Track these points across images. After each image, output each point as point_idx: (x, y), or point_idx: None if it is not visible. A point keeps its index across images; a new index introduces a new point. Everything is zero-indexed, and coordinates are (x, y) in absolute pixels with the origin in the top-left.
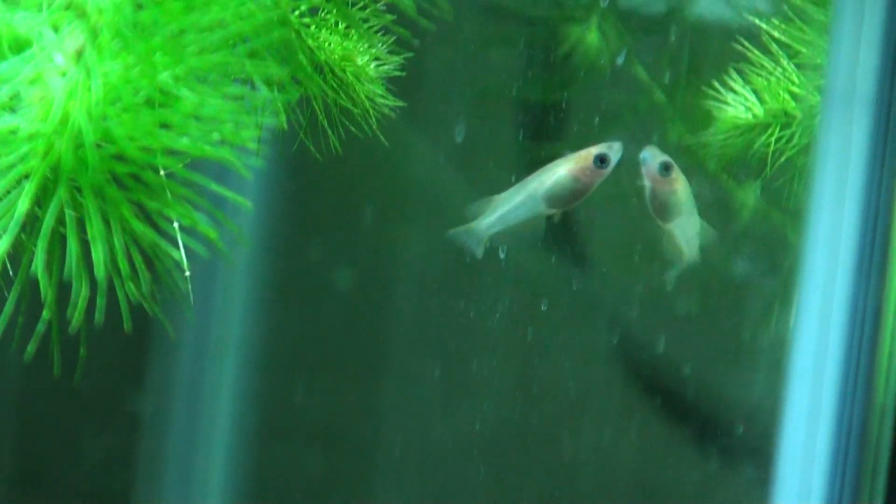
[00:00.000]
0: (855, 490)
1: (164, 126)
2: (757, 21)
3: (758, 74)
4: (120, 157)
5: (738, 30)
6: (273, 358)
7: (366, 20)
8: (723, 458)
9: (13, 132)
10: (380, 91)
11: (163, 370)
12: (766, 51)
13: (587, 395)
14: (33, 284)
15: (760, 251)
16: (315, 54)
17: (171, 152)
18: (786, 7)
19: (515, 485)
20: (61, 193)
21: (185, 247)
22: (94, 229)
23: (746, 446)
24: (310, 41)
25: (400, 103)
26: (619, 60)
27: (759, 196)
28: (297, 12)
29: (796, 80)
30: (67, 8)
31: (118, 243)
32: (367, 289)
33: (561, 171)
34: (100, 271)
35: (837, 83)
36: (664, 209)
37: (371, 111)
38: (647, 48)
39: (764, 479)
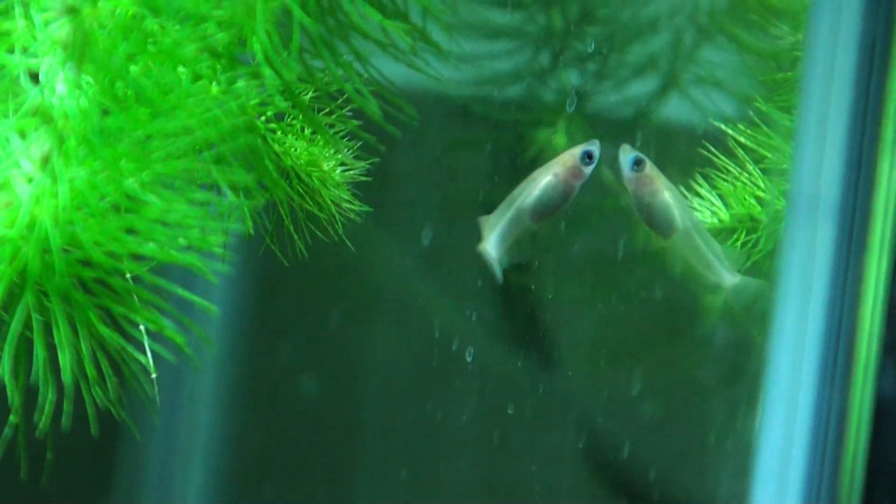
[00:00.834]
0: None
1: (131, 231)
2: (723, 126)
3: (724, 179)
4: (86, 262)
5: (704, 134)
6: (240, 462)
7: (332, 126)
8: None
9: None
10: (346, 196)
11: (130, 474)
12: (732, 155)
13: (553, 497)
14: (0, 388)
15: (726, 354)
16: (281, 160)
17: (137, 257)
18: (752, 112)
19: None
20: (28, 298)
21: (151, 351)
22: (61, 334)
23: None
24: (276, 146)
25: (366, 208)
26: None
27: (725, 299)
28: (263, 118)
29: (762, 185)
30: (34, 114)
31: (85, 348)
32: (335, 392)
33: (547, 177)
34: (66, 376)
35: (802, 189)
36: (652, 214)
37: (337, 216)
38: (615, 151)
39: None
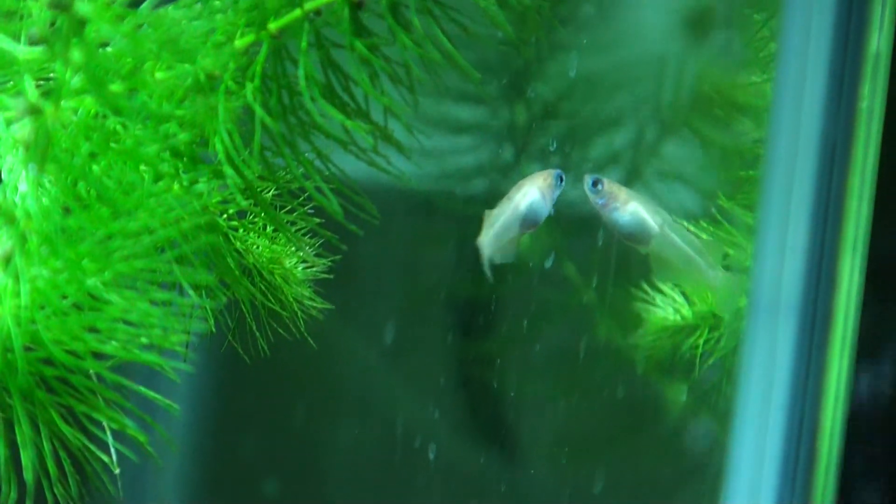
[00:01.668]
0: None
1: (93, 330)
2: (684, 223)
3: None
4: (48, 361)
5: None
6: None
7: (293, 223)
8: None
9: None
10: (308, 293)
11: None
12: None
13: None
14: None
15: (688, 451)
16: (243, 257)
17: (99, 355)
18: (714, 209)
19: None
20: None
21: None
22: (24, 432)
23: None
24: (238, 244)
25: (328, 305)
26: (548, 264)
27: (687, 396)
28: (224, 216)
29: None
30: None
31: (47, 446)
32: (298, 489)
33: (534, 192)
34: (28, 474)
35: (764, 287)
36: (625, 228)
37: (299, 313)
38: (577, 248)
39: None
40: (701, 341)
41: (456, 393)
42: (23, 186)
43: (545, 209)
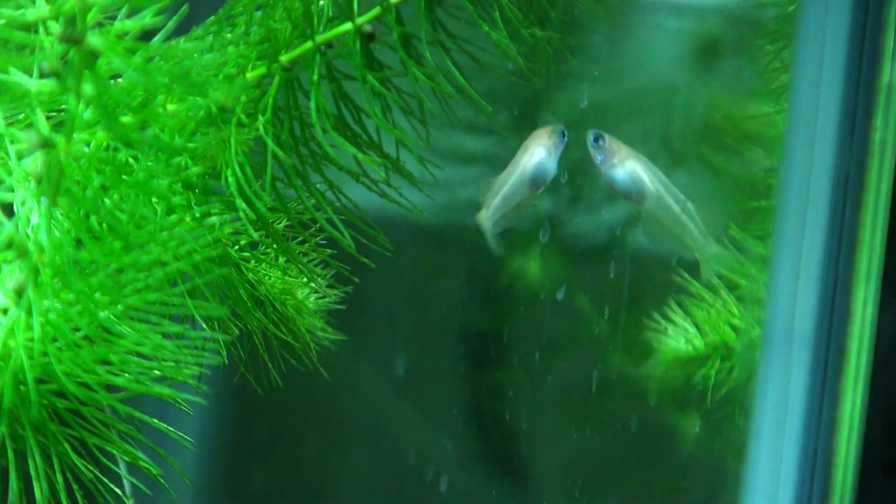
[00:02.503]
0: None
1: (105, 363)
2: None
3: (698, 306)
4: (60, 394)
5: (678, 262)
6: None
7: (305, 254)
8: None
9: None
10: (320, 324)
11: None
12: (706, 283)
13: None
14: None
15: (701, 481)
16: (255, 289)
17: (112, 388)
18: (725, 240)
19: None
20: (2, 429)
21: (126, 482)
22: (36, 464)
23: None
24: (250, 275)
25: (340, 336)
26: (560, 296)
27: (700, 427)
28: (236, 247)
29: (736, 313)
30: (9, 246)
31: (59, 479)
32: None
33: (540, 150)
34: None
35: (777, 318)
36: (622, 184)
37: (311, 344)
38: (589, 279)
39: None
40: (713, 372)
41: (468, 424)
42: (35, 219)
43: (552, 167)
